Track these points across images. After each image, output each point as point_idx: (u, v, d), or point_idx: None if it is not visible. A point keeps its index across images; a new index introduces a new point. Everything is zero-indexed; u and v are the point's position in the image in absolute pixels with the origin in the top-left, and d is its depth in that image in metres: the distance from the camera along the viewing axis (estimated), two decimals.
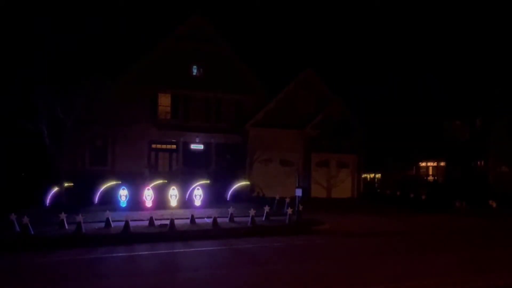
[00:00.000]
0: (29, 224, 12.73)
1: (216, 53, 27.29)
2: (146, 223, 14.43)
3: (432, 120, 23.23)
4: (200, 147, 26.82)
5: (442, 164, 36.44)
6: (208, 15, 27.79)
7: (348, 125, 27.72)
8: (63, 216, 13.72)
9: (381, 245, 12.65)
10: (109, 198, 19.19)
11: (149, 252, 11.36)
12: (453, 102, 28.72)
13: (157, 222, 14.45)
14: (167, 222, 13.99)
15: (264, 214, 16.07)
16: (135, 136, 23.83)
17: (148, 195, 18.55)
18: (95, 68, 17.38)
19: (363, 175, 30.44)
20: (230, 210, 15.66)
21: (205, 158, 26.73)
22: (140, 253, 11.31)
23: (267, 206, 16.65)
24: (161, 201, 19.11)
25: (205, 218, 15.65)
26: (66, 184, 16.95)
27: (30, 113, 15.39)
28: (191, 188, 20.31)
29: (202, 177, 21.93)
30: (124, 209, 17.75)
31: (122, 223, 13.38)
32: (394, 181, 28.88)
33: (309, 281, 8.50)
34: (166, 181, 21.31)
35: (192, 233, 13.61)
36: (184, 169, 24.84)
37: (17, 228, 13.21)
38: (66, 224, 13.67)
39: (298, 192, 16.76)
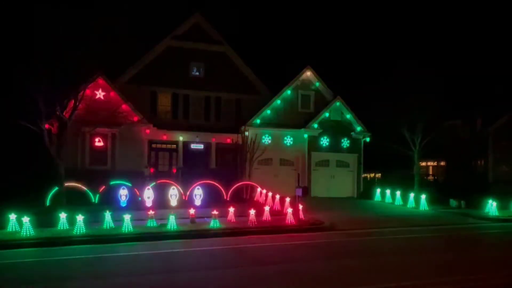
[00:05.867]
0: (29, 224, 12.75)
1: (216, 52, 27.28)
2: (145, 222, 14.47)
3: (432, 119, 23.21)
4: (200, 146, 26.80)
5: (442, 163, 36.46)
6: (208, 14, 27.83)
7: (348, 124, 27.73)
8: (63, 216, 13.76)
9: (380, 245, 12.66)
10: (109, 198, 19.19)
11: (149, 252, 11.37)
12: (453, 102, 28.74)
13: (157, 222, 14.49)
14: (167, 221, 14.02)
15: (264, 214, 16.07)
16: (135, 136, 23.83)
17: (148, 195, 18.56)
18: (95, 67, 17.37)
19: (363, 175, 30.39)
20: (230, 209, 15.68)
21: (205, 158, 26.71)
22: (140, 252, 11.32)
23: (267, 205, 16.66)
24: (161, 201, 19.12)
25: (205, 218, 15.66)
26: (66, 184, 16.94)
27: (30, 113, 15.37)
28: (191, 188, 20.31)
29: (202, 176, 21.91)
30: (124, 209, 17.75)
31: (123, 223, 13.41)
32: (394, 180, 28.83)
33: (308, 280, 8.51)
34: (166, 180, 21.31)
35: (192, 233, 13.64)
36: (184, 169, 24.84)
37: (17, 228, 13.26)
38: (66, 224, 13.69)
39: (298, 192, 16.79)
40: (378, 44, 59.91)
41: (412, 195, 22.53)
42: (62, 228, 13.62)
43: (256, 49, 42.87)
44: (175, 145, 26.22)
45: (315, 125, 27.01)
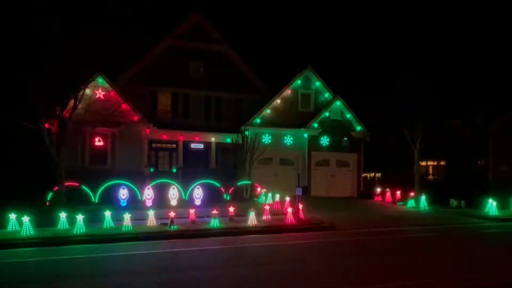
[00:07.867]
0: (29, 224, 12.74)
1: (216, 52, 27.29)
2: (146, 222, 14.47)
3: (432, 119, 23.25)
4: (200, 146, 26.80)
5: (442, 163, 36.42)
6: (208, 14, 27.84)
7: (348, 124, 27.74)
8: (63, 215, 13.75)
9: (380, 244, 12.65)
10: (109, 197, 19.18)
11: (149, 251, 11.37)
12: (453, 102, 28.76)
13: (157, 221, 14.49)
14: (168, 221, 14.02)
15: (264, 213, 16.07)
16: (135, 135, 23.83)
17: (148, 194, 18.56)
18: (95, 67, 17.38)
19: (363, 174, 30.38)
20: (230, 209, 15.67)
21: (205, 157, 26.71)
22: (140, 252, 11.32)
23: (267, 205, 16.65)
24: (161, 200, 19.12)
25: (205, 217, 15.65)
26: (66, 184, 16.95)
27: (30, 112, 15.38)
28: (191, 187, 20.30)
29: (202, 176, 21.90)
30: (124, 208, 17.73)
31: (123, 223, 13.41)
32: (394, 180, 28.80)
33: (308, 280, 8.51)
34: (166, 180, 21.29)
35: (193, 232, 13.64)
36: (184, 168, 24.84)
37: (17, 228, 13.25)
38: (66, 224, 13.69)
39: (298, 191, 16.76)
40: (378, 44, 59.87)
41: (412, 194, 22.55)
42: (62, 227, 13.61)
43: (256, 48, 42.90)
44: (175, 145, 26.23)
45: (315, 125, 27.02)
